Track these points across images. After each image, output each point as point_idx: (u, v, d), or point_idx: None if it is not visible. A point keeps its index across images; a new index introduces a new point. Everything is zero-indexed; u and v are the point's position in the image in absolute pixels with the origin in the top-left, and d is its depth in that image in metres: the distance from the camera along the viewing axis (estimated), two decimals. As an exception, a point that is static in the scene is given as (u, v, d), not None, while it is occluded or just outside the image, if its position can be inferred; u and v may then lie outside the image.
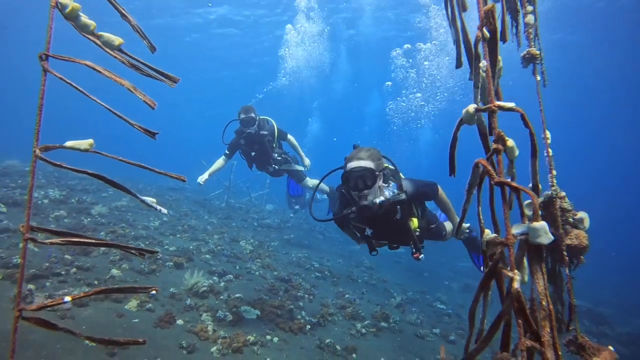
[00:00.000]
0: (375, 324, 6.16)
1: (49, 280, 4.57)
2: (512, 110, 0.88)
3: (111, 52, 1.54)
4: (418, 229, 3.32)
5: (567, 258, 1.49)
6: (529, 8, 1.69)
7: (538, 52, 1.60)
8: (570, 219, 1.54)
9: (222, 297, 5.46)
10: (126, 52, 1.54)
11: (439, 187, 3.45)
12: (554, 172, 1.55)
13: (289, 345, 4.71)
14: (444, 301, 9.25)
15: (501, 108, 0.86)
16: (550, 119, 1.66)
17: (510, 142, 0.87)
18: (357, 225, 3.39)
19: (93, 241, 1.09)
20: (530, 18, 1.67)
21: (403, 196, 3.06)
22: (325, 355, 4.70)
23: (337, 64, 25.08)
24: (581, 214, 1.56)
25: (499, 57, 1.17)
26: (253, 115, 6.10)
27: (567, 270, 1.56)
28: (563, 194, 1.56)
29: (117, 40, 1.54)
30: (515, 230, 0.81)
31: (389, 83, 19.99)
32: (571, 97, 24.33)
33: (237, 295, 5.58)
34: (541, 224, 0.80)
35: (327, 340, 5.00)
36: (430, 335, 6.51)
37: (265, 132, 6.29)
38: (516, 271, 0.79)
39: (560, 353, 0.76)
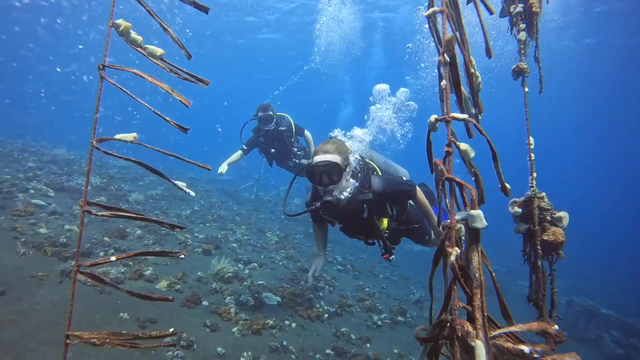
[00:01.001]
0: (391, 318, 6.34)
1: (90, 259, 5.00)
2: (465, 121, 1.07)
3: (155, 61, 1.83)
4: (387, 230, 3.20)
5: (540, 251, 1.68)
6: (522, 26, 1.86)
7: (526, 66, 1.78)
8: (548, 217, 1.72)
9: (245, 283, 5.78)
10: (166, 60, 1.83)
11: (418, 188, 3.24)
12: (535, 175, 1.73)
13: (306, 331, 4.97)
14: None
15: (454, 118, 1.06)
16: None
17: (463, 146, 1.06)
18: (328, 219, 3.32)
19: (133, 215, 1.36)
20: (522, 35, 1.84)
21: (369, 195, 2.97)
22: (340, 343, 4.93)
23: (370, 52, 24.91)
24: (561, 213, 1.73)
25: (477, 74, 1.37)
26: (271, 112, 6.21)
27: (551, 264, 1.76)
28: (542, 194, 1.73)
29: (159, 51, 1.82)
30: (458, 216, 1.01)
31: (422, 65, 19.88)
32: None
33: (260, 282, 5.89)
34: (477, 212, 0.99)
35: (343, 329, 5.24)
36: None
37: (284, 128, 6.41)
38: (455, 248, 0.99)
39: (486, 314, 0.96)
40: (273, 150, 6.55)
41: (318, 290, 6.46)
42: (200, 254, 6.45)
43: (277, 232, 9.58)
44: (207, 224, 8.55)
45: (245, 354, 3.85)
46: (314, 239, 4.32)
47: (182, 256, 1.39)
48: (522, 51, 1.82)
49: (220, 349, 3.84)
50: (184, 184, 1.45)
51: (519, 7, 1.88)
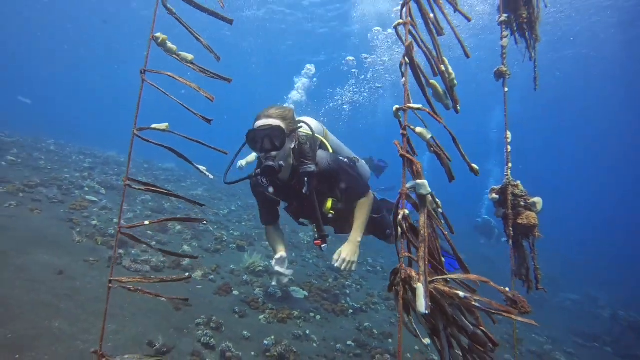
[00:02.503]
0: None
1: (134, 249, 5.50)
2: (420, 110, 1.32)
3: (187, 64, 2.20)
4: (331, 211, 3.01)
5: (511, 231, 1.89)
6: (505, 33, 2.08)
7: (506, 69, 2.00)
8: (522, 203, 1.93)
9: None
10: (195, 63, 2.20)
11: (370, 195, 3.09)
12: (510, 165, 1.95)
13: (330, 324, 5.23)
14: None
15: (411, 108, 1.31)
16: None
17: (418, 129, 1.30)
18: (271, 196, 3.06)
19: (164, 191, 1.70)
20: (504, 41, 2.06)
21: (312, 167, 2.76)
22: (362, 336, 5.15)
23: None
24: (535, 199, 1.94)
25: (451, 71, 1.61)
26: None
27: (531, 244, 1.97)
28: (517, 182, 1.94)
29: (189, 56, 2.19)
30: (408, 184, 1.25)
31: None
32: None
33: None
34: (422, 181, 1.22)
35: (366, 324, 5.45)
36: (472, 335, 6.68)
37: None
38: (404, 210, 1.24)
39: (426, 263, 1.20)
40: None
41: (345, 288, 6.70)
42: (234, 249, 6.87)
43: (310, 233, 9.91)
44: (243, 223, 9.01)
45: (269, 338, 4.15)
46: (268, 241, 3.79)
47: (204, 222, 1.71)
48: (504, 56, 2.04)
49: (246, 332, 4.17)
50: (204, 168, 1.77)
51: (504, 17, 2.10)
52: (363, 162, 3.90)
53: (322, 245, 3.05)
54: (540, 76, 2.37)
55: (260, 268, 6.08)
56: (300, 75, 16.34)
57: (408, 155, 1.23)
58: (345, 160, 3.19)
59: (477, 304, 1.31)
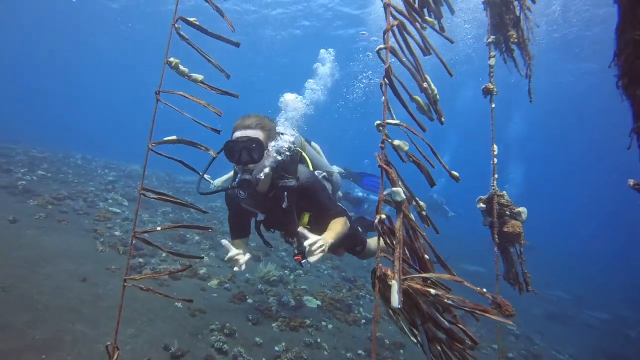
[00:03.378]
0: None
1: (154, 259, 5.74)
2: (398, 125, 1.46)
3: (198, 83, 2.40)
4: (308, 226, 2.92)
5: (497, 239, 2.00)
6: (492, 53, 2.22)
7: (492, 86, 2.13)
8: (507, 212, 2.04)
9: (289, 286, 6.26)
10: (206, 82, 2.40)
11: (344, 221, 2.91)
12: (496, 176, 2.07)
13: (342, 333, 5.32)
14: (517, 322, 9.12)
15: (389, 123, 1.45)
16: None
17: (396, 142, 1.45)
18: (248, 209, 2.96)
19: (174, 200, 1.88)
20: (492, 60, 2.20)
21: (292, 182, 2.70)
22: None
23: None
24: (520, 209, 2.05)
25: (433, 87, 1.75)
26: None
27: (518, 251, 2.08)
28: (503, 193, 2.06)
29: (200, 77, 2.40)
30: (385, 192, 1.39)
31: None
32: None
33: (303, 287, 6.35)
34: (397, 189, 1.36)
35: (378, 334, 5.52)
36: (486, 349, 6.65)
37: None
38: (382, 214, 1.37)
39: (401, 262, 1.33)
40: None
41: (359, 299, 6.79)
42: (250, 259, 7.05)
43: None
44: (260, 235, 9.20)
45: (280, 345, 4.28)
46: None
47: (210, 230, 1.88)
48: (491, 74, 2.17)
49: (258, 339, 4.31)
50: (209, 176, 1.95)
51: (491, 38, 2.24)
52: (337, 175, 3.95)
53: (303, 261, 2.85)
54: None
55: (275, 277, 6.23)
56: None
57: (384, 166, 1.38)
58: (324, 174, 3.26)
59: (449, 302, 1.44)
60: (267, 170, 2.60)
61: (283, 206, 2.77)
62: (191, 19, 2.22)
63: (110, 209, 7.51)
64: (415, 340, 1.63)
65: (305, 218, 2.94)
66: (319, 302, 5.90)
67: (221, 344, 3.95)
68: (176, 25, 2.22)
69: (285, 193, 2.75)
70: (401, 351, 5.39)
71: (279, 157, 2.67)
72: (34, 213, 6.07)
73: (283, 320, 5.00)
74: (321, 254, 2.67)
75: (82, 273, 4.51)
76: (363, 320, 5.88)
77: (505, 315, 1.94)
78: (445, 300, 1.42)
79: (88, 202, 7.58)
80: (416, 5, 1.75)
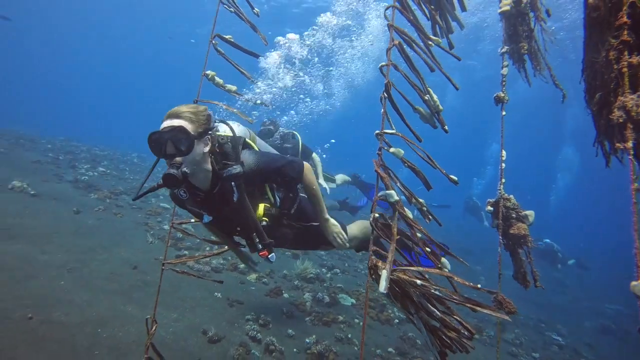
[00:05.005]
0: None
1: (198, 252, 6.16)
2: (395, 134, 1.62)
3: (231, 93, 2.67)
4: (265, 218, 2.57)
5: (509, 241, 2.11)
6: (505, 63, 2.31)
7: (504, 94, 2.23)
8: (514, 215, 2.14)
9: (325, 284, 6.47)
10: (238, 92, 2.66)
11: (306, 165, 2.67)
12: (503, 180, 2.17)
13: (374, 331, 5.46)
14: (562, 333, 8.81)
15: (386, 133, 1.61)
16: None
17: (392, 149, 1.61)
18: (192, 209, 2.56)
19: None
20: (505, 70, 2.29)
21: (237, 168, 2.34)
22: (405, 345, 5.32)
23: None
24: (527, 212, 2.15)
25: (436, 99, 1.89)
26: (272, 127, 5.91)
27: (527, 252, 2.18)
28: (510, 197, 2.16)
29: (234, 87, 2.66)
30: (380, 193, 1.55)
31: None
32: None
33: (339, 285, 6.54)
34: (391, 192, 1.51)
35: (410, 334, 5.61)
36: (524, 356, 6.54)
37: (289, 146, 5.97)
38: (376, 213, 1.54)
39: (393, 255, 1.49)
40: None
41: (393, 299, 6.87)
42: (289, 257, 7.33)
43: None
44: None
45: (311, 337, 4.50)
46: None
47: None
48: (504, 83, 2.27)
49: (291, 331, 4.55)
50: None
51: (505, 49, 2.34)
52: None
53: (270, 255, 2.56)
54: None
55: (312, 275, 6.46)
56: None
57: (380, 172, 1.55)
58: (274, 154, 2.79)
59: (436, 292, 1.60)
60: (198, 159, 2.26)
61: (234, 199, 2.43)
62: (227, 37, 2.49)
63: (161, 204, 8.07)
64: (416, 327, 1.80)
65: (260, 209, 2.56)
66: (353, 301, 6.07)
67: (255, 332, 4.23)
68: (213, 42, 2.50)
69: (233, 183, 2.39)
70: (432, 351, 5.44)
71: (216, 148, 2.38)
72: (95, 205, 6.68)
73: (316, 315, 5.21)
74: (342, 235, 2.84)
75: (133, 261, 4.96)
76: (396, 320, 5.98)
77: (507, 313, 2.06)
78: (432, 291, 1.58)
79: (142, 198, 8.19)
80: (423, 23, 1.90)
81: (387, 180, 1.54)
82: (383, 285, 1.43)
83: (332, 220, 2.84)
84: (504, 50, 2.34)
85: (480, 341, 6.47)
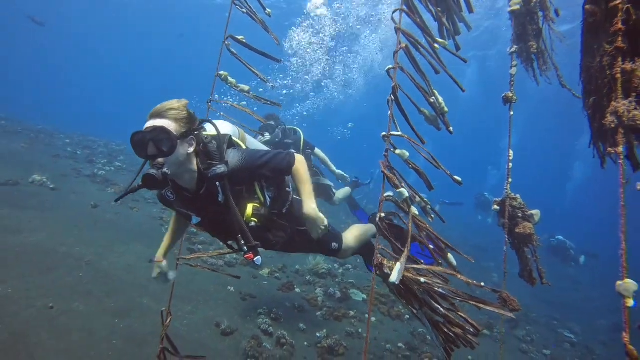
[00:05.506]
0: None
1: (212, 247, 6.28)
2: (401, 136, 1.66)
3: (244, 94, 2.73)
4: (253, 219, 2.49)
5: (508, 238, 2.14)
6: (514, 62, 2.33)
7: (512, 94, 2.25)
8: (520, 214, 2.16)
9: (337, 279, 6.54)
10: (251, 92, 2.72)
11: (299, 157, 2.58)
12: (510, 180, 2.19)
13: (385, 326, 5.52)
14: (575, 331, 8.74)
15: (393, 134, 1.65)
16: None
17: (398, 151, 1.65)
18: (180, 211, 2.55)
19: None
20: (513, 70, 2.31)
21: (222, 168, 2.28)
22: (415, 341, 5.36)
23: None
24: (533, 211, 2.17)
25: (441, 101, 1.93)
26: (273, 122, 5.79)
27: (533, 251, 2.21)
28: (516, 196, 2.18)
29: (246, 87, 2.73)
30: (387, 193, 1.60)
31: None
32: None
33: (350, 280, 6.60)
34: (401, 190, 1.56)
35: (420, 330, 5.65)
36: (535, 353, 6.52)
37: (290, 141, 5.90)
38: (382, 213, 1.59)
39: (407, 253, 1.54)
40: None
41: (404, 295, 6.91)
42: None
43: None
44: (313, 229, 9.56)
45: (322, 331, 4.58)
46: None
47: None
48: (512, 83, 2.29)
49: (302, 325, 4.63)
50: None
51: (514, 48, 2.35)
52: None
53: (255, 258, 2.44)
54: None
55: (324, 270, 6.53)
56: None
57: (386, 173, 1.60)
58: (259, 151, 2.62)
59: (440, 290, 1.64)
60: (182, 160, 2.20)
61: (219, 199, 2.39)
62: (239, 37, 2.55)
63: (177, 199, 8.22)
64: (421, 322, 1.85)
65: (249, 210, 2.49)
66: (365, 296, 6.13)
67: (267, 326, 4.32)
68: (226, 43, 2.57)
69: (218, 183, 2.35)
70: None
71: (200, 148, 2.33)
72: (111, 200, 6.84)
73: (328, 310, 5.29)
74: (324, 223, 2.61)
75: (149, 255, 5.09)
76: (407, 316, 6.01)
77: (511, 310, 2.10)
78: (436, 288, 1.63)
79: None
80: (430, 25, 1.93)
81: (395, 180, 1.59)
82: (395, 276, 1.49)
83: (320, 215, 2.61)
84: (513, 49, 2.36)
85: (491, 337, 6.47)
